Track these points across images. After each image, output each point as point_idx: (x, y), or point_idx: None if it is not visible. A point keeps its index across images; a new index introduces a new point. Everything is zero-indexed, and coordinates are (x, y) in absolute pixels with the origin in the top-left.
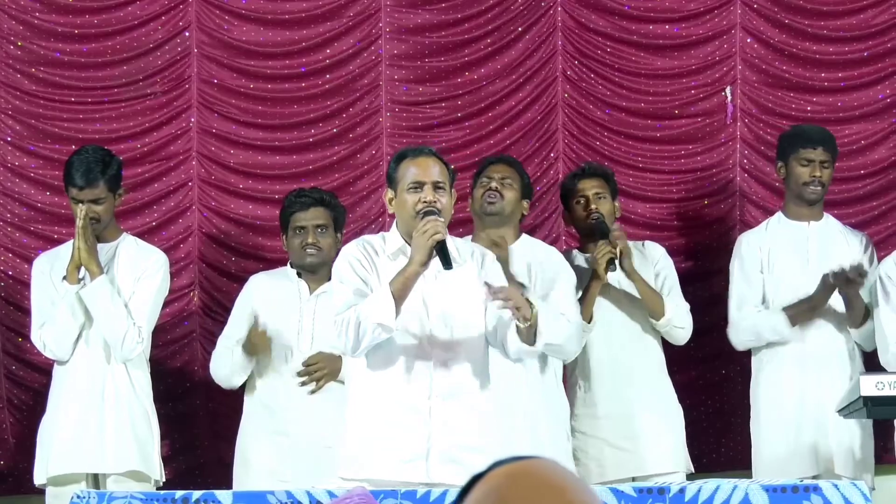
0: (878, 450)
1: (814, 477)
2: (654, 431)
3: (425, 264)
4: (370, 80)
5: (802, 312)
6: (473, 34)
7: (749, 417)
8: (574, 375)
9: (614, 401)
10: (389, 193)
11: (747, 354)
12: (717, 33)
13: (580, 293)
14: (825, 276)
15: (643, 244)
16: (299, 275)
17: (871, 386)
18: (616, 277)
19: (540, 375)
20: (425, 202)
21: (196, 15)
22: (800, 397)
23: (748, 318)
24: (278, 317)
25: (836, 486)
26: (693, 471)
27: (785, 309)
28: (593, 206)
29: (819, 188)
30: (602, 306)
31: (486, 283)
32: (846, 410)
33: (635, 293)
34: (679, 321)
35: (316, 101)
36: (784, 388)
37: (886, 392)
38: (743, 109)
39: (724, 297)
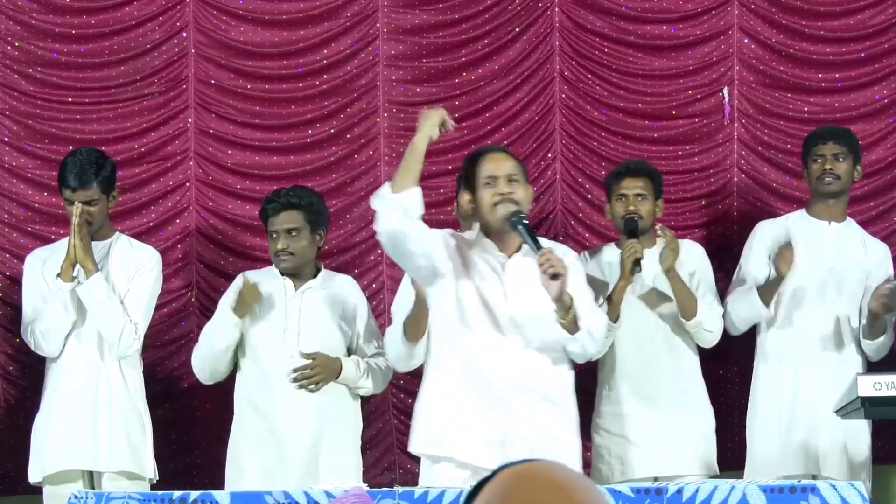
0: (877, 450)
1: (813, 476)
2: (679, 432)
3: (429, 136)
4: (367, 80)
5: (772, 288)
6: (471, 34)
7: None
8: (601, 373)
9: (639, 399)
10: (467, 195)
11: (745, 355)
12: (714, 34)
13: (609, 291)
14: (785, 247)
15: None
16: (283, 273)
17: (869, 386)
18: (651, 275)
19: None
20: (501, 194)
21: (193, 15)
22: (793, 396)
23: (733, 304)
24: (264, 314)
25: (833, 486)
26: (718, 474)
27: (758, 287)
28: (632, 207)
29: (834, 179)
30: (633, 305)
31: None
32: (844, 410)
33: (668, 292)
34: (709, 324)
35: (313, 101)
36: (779, 386)
37: (884, 392)
38: (740, 110)
39: (723, 296)
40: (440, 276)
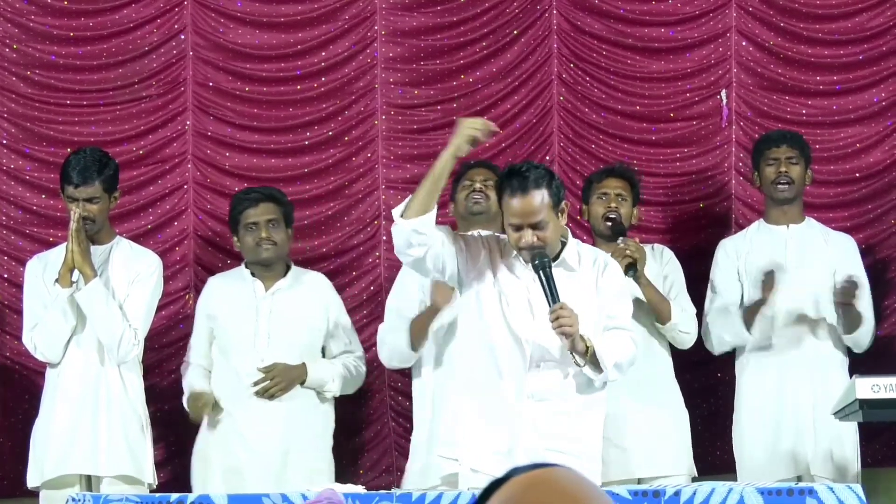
0: (877, 452)
1: (798, 478)
2: (658, 433)
3: (458, 154)
4: (365, 83)
5: (754, 311)
6: (469, 37)
7: None
8: None
9: (619, 402)
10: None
11: (733, 359)
12: (712, 36)
13: None
14: (769, 274)
15: (653, 247)
16: (253, 274)
17: (867, 389)
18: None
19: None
20: (525, 244)
21: (191, 18)
22: (779, 401)
23: (714, 326)
24: (234, 318)
25: (831, 488)
26: (697, 475)
27: (742, 312)
28: (613, 205)
29: (788, 184)
30: None
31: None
32: (842, 413)
33: (641, 297)
34: (684, 326)
35: (311, 104)
36: (764, 393)
37: (882, 395)
38: (738, 112)
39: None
40: (461, 287)
